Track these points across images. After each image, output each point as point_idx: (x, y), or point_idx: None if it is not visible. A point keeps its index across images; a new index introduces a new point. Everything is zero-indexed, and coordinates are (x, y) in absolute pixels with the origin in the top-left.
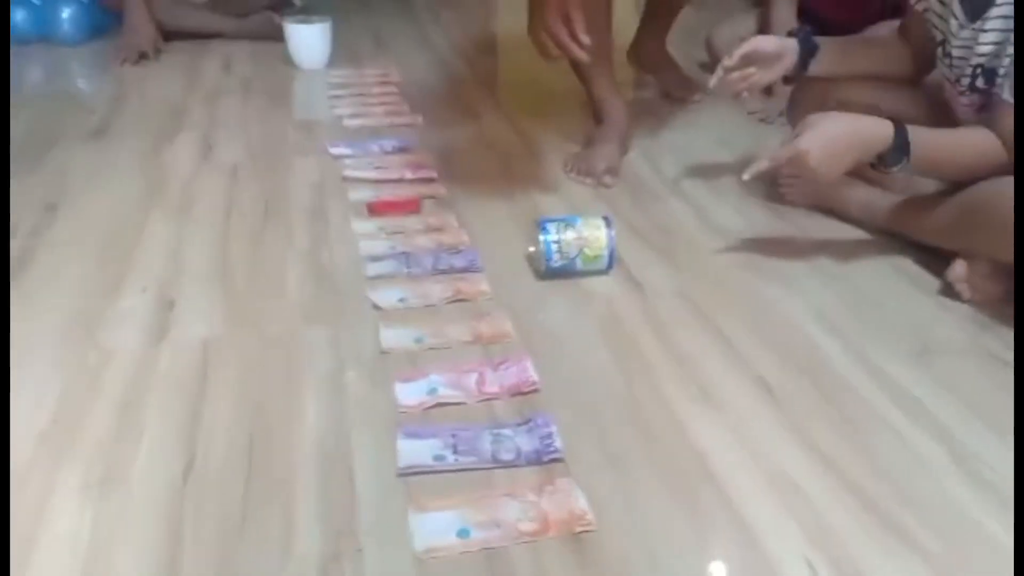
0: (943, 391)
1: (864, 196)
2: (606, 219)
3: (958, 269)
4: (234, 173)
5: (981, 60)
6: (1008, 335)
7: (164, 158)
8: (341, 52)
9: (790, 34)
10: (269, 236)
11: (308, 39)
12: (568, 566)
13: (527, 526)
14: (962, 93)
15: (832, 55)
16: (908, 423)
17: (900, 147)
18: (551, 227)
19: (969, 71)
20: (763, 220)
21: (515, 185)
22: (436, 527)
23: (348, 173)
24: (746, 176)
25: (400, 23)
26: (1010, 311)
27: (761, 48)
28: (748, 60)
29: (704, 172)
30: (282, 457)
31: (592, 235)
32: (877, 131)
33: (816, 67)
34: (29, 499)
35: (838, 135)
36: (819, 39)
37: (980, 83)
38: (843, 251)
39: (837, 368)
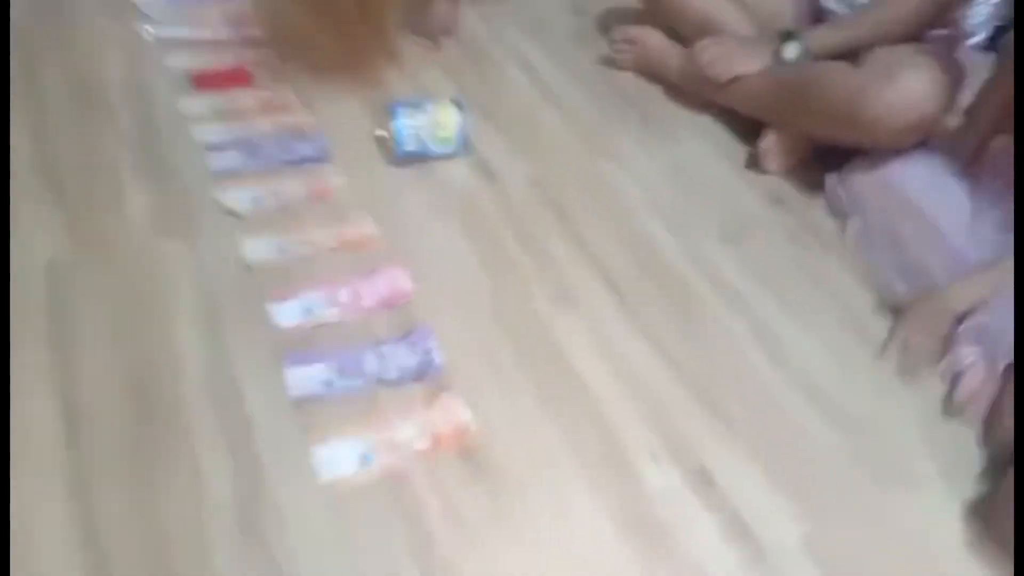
0: (750, 272)
1: (687, 66)
2: (456, 102)
3: (769, 140)
4: (25, 42)
5: None
6: (802, 211)
7: None
8: None
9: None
10: (90, 123)
11: None
12: (463, 478)
13: (421, 444)
14: None
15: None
16: (725, 309)
17: (791, 33)
18: (401, 112)
19: None
20: (598, 87)
21: (350, 47)
22: (338, 456)
23: (159, 32)
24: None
25: None
26: (800, 183)
27: None
28: None
29: (538, 29)
30: (171, 401)
31: (443, 117)
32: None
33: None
34: None
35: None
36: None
37: None
38: (666, 123)
39: (667, 256)
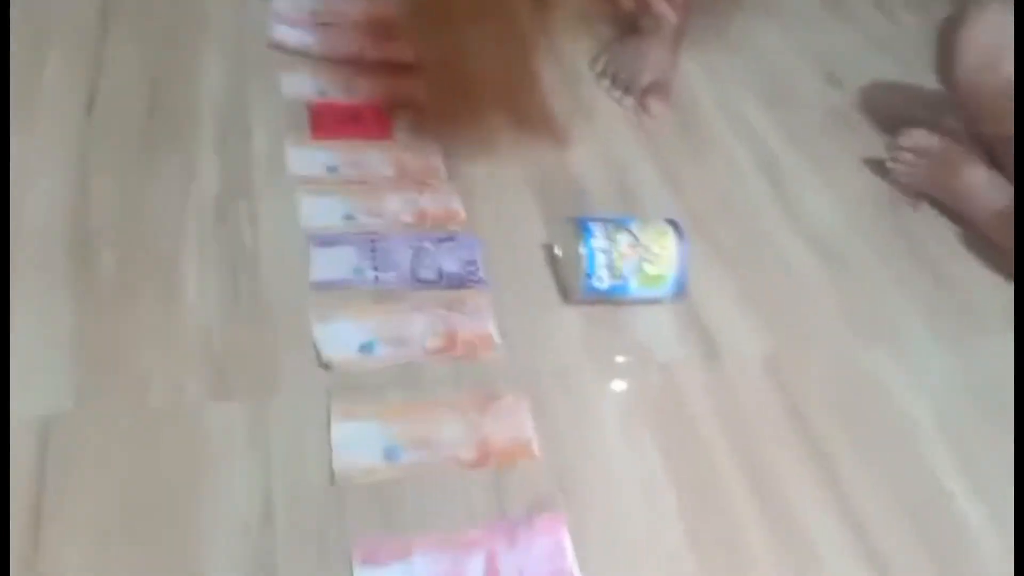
0: None
1: (1004, 206)
2: (674, 225)
3: None
4: (102, 17)
5: None
6: None
7: None
8: None
9: None
10: (158, 158)
11: None
12: None
13: None
14: None
15: None
16: None
17: None
18: (596, 231)
19: None
20: (862, 207)
21: (522, 95)
22: None
23: (279, 35)
24: None
25: None
26: None
27: None
28: None
29: (779, 101)
30: None
31: (656, 246)
32: None
33: None
34: None
35: None
36: None
37: None
38: (970, 294)
39: (966, 524)
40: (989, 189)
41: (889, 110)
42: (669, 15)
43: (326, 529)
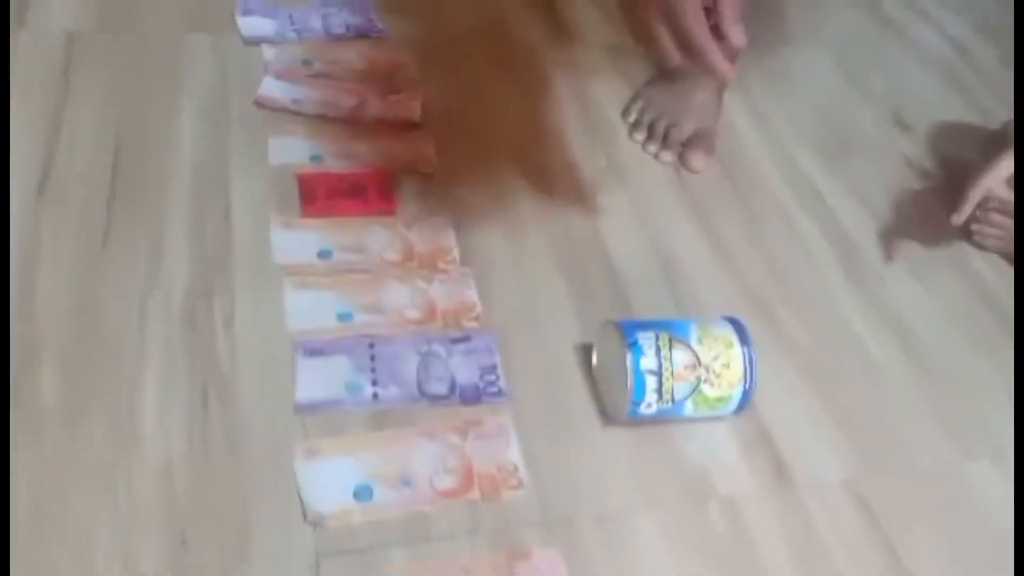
0: None
1: None
2: (738, 328)
3: None
4: (66, 61)
5: None
6: None
7: None
8: None
9: None
10: (118, 254)
11: None
12: None
13: None
14: None
15: None
16: None
17: None
18: (644, 341)
19: None
20: (955, 292)
21: (543, 153)
22: None
23: (266, 90)
24: (957, 221)
25: None
26: None
27: None
28: None
29: (840, 149)
30: None
31: (718, 363)
32: None
33: None
34: None
35: None
36: None
37: None
38: None
39: None
40: None
41: (966, 158)
42: (728, 73)
43: None
